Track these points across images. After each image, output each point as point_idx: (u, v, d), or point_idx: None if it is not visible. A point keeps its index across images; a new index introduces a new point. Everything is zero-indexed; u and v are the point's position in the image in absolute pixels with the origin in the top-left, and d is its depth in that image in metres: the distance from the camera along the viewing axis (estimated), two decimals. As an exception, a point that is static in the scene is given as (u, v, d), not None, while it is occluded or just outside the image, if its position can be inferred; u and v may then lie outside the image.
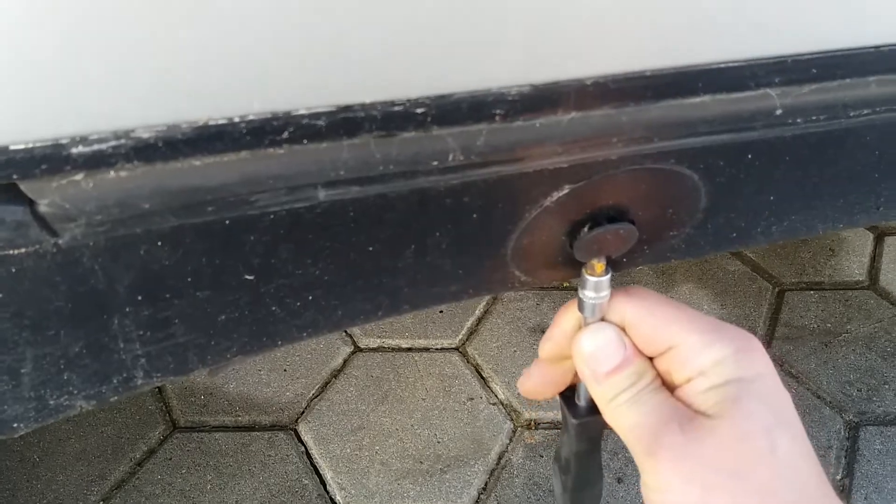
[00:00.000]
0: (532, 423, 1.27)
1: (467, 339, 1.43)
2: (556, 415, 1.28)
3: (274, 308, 0.46)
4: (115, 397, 0.49)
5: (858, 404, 1.31)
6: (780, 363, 1.39)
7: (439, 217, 0.43)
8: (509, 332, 1.46)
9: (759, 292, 1.58)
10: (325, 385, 1.32)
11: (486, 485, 1.16)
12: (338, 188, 0.38)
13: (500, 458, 1.20)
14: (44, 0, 0.27)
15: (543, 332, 1.53)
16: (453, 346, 1.42)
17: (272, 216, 0.39)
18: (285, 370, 1.35)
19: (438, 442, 1.23)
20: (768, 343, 1.44)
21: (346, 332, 1.43)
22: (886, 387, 1.35)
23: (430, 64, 0.34)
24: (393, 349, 1.40)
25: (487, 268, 0.50)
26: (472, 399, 1.31)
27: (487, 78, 0.35)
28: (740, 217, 0.53)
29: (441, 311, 1.49)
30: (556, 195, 0.45)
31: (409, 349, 1.41)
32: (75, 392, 0.46)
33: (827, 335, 1.47)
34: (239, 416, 1.27)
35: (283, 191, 0.37)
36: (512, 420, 1.27)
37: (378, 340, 1.42)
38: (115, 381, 0.47)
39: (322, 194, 0.39)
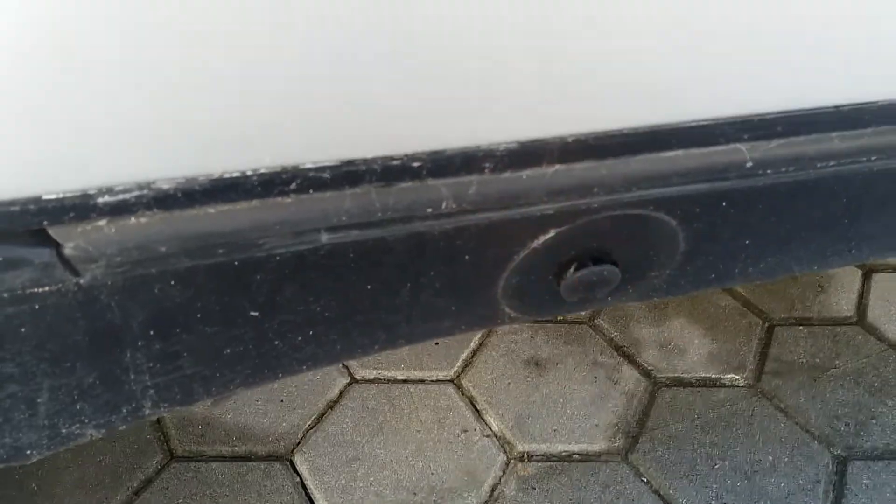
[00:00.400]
0: (525, 455, 1.28)
1: (462, 372, 1.45)
2: (549, 447, 1.30)
3: (277, 342, 0.49)
4: (123, 426, 0.51)
5: (846, 439, 1.33)
6: (770, 398, 1.42)
7: (433, 258, 0.46)
8: (504, 364, 1.48)
9: (750, 327, 1.60)
10: (321, 416, 1.34)
11: (479, 517, 1.17)
12: (339, 232, 0.42)
13: (492, 491, 1.22)
14: (78, 64, 0.31)
15: (538, 364, 1.54)
16: (448, 378, 1.44)
17: (278, 257, 0.42)
18: (282, 401, 1.37)
19: (432, 474, 1.24)
20: (758, 377, 1.46)
21: (342, 363, 1.45)
22: (874, 422, 1.37)
23: (425, 123, 0.37)
24: (388, 381, 1.42)
25: (479, 305, 0.53)
26: (466, 431, 1.32)
27: (478, 135, 0.38)
28: (718, 259, 0.56)
29: (437, 344, 1.51)
30: (542, 238, 0.48)
31: (405, 381, 1.42)
32: (87, 421, 0.48)
33: (815, 370, 1.49)
34: (236, 446, 1.28)
35: (289, 235, 0.41)
36: (505, 452, 1.28)
37: (374, 372, 1.44)
38: (124, 410, 0.49)
39: (325, 238, 0.42)
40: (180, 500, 1.19)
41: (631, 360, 1.51)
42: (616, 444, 1.31)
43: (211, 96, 0.32)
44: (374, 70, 0.34)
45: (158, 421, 1.33)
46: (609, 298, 0.55)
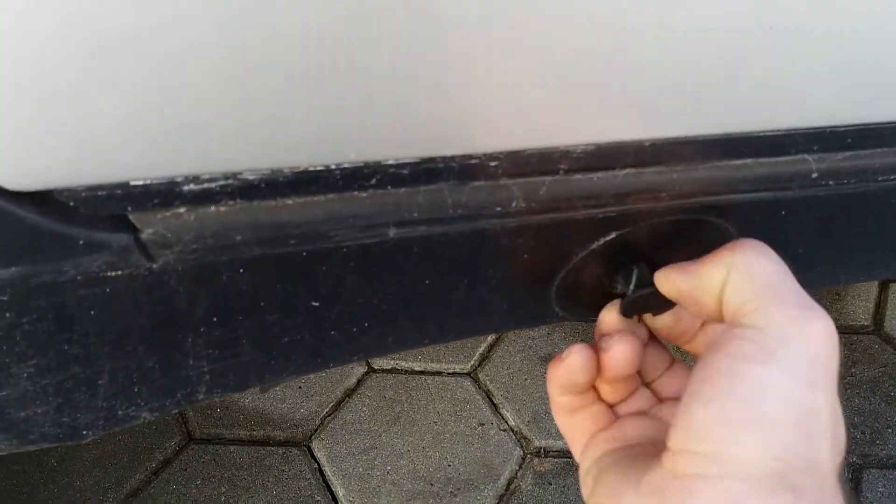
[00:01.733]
0: (542, 450, 1.29)
1: (479, 366, 1.46)
2: (564, 444, 1.30)
3: (332, 332, 0.49)
4: (176, 410, 0.52)
5: (862, 447, 1.34)
6: (786, 403, 1.42)
7: (494, 255, 0.46)
8: (521, 360, 1.48)
9: (767, 332, 1.61)
10: (339, 404, 1.35)
11: (494, 510, 1.18)
12: (407, 227, 0.42)
13: (509, 484, 1.22)
14: (175, 58, 0.31)
15: (555, 361, 1.53)
16: (465, 371, 1.44)
17: (345, 249, 0.42)
18: (300, 388, 1.38)
19: (449, 465, 1.25)
20: (774, 382, 1.47)
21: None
22: (890, 430, 1.37)
23: (506, 124, 0.37)
24: (406, 371, 1.43)
25: (531, 303, 0.53)
26: (483, 424, 1.33)
27: (558, 137, 0.38)
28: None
29: (454, 336, 1.52)
30: (602, 240, 0.48)
31: (422, 372, 1.43)
32: (142, 404, 0.49)
33: (832, 377, 1.49)
34: (254, 430, 1.29)
35: (359, 228, 0.41)
36: (522, 447, 1.29)
37: (392, 362, 1.44)
38: (179, 395, 0.50)
39: (392, 232, 0.42)
40: (198, 482, 1.20)
41: (648, 360, 1.51)
42: (632, 444, 1.32)
43: (302, 94, 0.32)
44: (459, 74, 0.34)
45: (177, 402, 1.34)
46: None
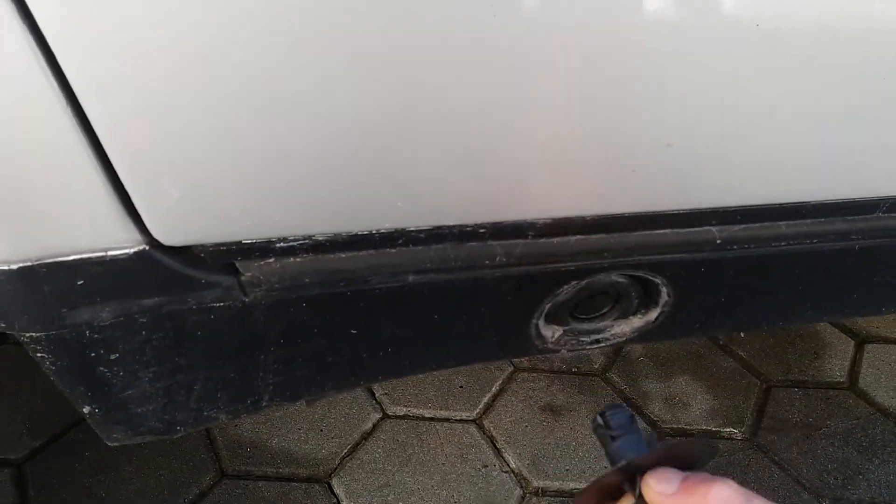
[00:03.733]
0: (540, 490, 1.42)
1: (484, 413, 1.60)
2: (561, 484, 1.44)
3: (364, 355, 0.66)
4: (244, 414, 0.68)
5: (835, 491, 1.45)
6: (765, 451, 1.55)
7: (485, 298, 0.63)
8: (522, 409, 1.63)
9: (748, 387, 1.74)
10: (356, 446, 1.49)
11: (495, 543, 1.31)
12: (422, 275, 0.59)
13: (509, 520, 1.35)
14: (271, 162, 0.49)
15: (553, 410, 1.68)
16: (471, 418, 1.59)
17: (377, 290, 0.59)
18: (322, 430, 1.52)
19: (455, 502, 1.38)
20: (755, 432, 1.59)
21: (375, 400, 1.60)
22: (861, 477, 1.49)
23: (489, 203, 0.55)
24: (417, 418, 1.58)
25: (516, 336, 0.69)
26: (487, 466, 1.47)
27: (523, 212, 0.56)
28: (700, 311, 0.73)
29: (461, 387, 1.66)
30: (564, 288, 0.65)
31: (432, 419, 1.58)
32: (222, 408, 0.65)
33: (808, 428, 1.62)
34: (280, 468, 1.44)
35: (388, 274, 0.58)
36: (522, 487, 1.42)
37: (404, 409, 1.59)
38: (249, 401, 0.66)
39: (411, 278, 0.59)
40: (230, 513, 1.34)
41: (639, 410, 1.65)
42: (622, 485, 1.44)
43: (361, 186, 0.50)
44: (461, 172, 0.51)
45: (211, 442, 1.48)
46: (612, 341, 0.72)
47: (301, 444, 1.49)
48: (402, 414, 1.58)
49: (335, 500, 1.37)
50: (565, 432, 1.57)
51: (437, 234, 0.55)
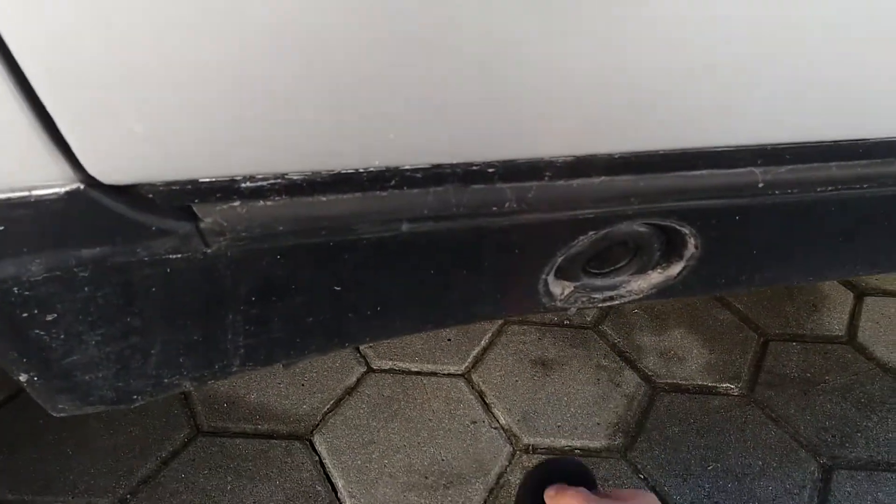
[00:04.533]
0: (530, 447, 1.36)
1: (473, 367, 1.53)
2: (552, 441, 1.38)
3: (350, 314, 0.57)
4: (211, 381, 0.60)
5: (832, 449, 1.41)
6: (762, 407, 1.50)
7: (490, 250, 0.54)
8: (512, 362, 1.56)
9: (746, 341, 1.69)
10: (339, 401, 1.42)
11: (485, 502, 1.25)
12: (418, 223, 0.50)
13: (499, 479, 1.30)
14: (241, 83, 0.39)
15: (544, 364, 1.62)
16: (459, 372, 1.52)
17: (365, 241, 0.51)
18: (303, 385, 1.45)
19: (442, 460, 1.32)
20: (752, 388, 1.54)
21: (359, 353, 1.53)
22: (859, 434, 1.45)
23: (500, 137, 0.45)
24: (403, 372, 1.51)
25: (521, 293, 0.61)
26: (475, 422, 1.40)
27: (540, 149, 0.47)
28: (728, 265, 0.64)
29: (449, 340, 1.59)
30: (581, 239, 0.56)
31: (419, 373, 1.51)
32: (185, 374, 0.57)
33: (806, 384, 1.57)
34: (259, 424, 1.36)
35: (378, 222, 0.49)
36: (511, 444, 1.36)
37: (390, 363, 1.52)
38: (216, 367, 0.57)
39: (405, 227, 0.50)
40: (206, 472, 1.27)
41: (632, 364, 1.59)
42: (616, 442, 1.40)
43: (341, 111, 0.41)
44: (464, 96, 0.42)
45: (186, 397, 1.41)
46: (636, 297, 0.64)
47: (281, 399, 1.42)
48: (387, 368, 1.51)
49: (317, 458, 1.31)
50: (557, 387, 1.51)
51: (437, 175, 0.46)
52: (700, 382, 1.56)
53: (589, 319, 1.72)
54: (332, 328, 0.56)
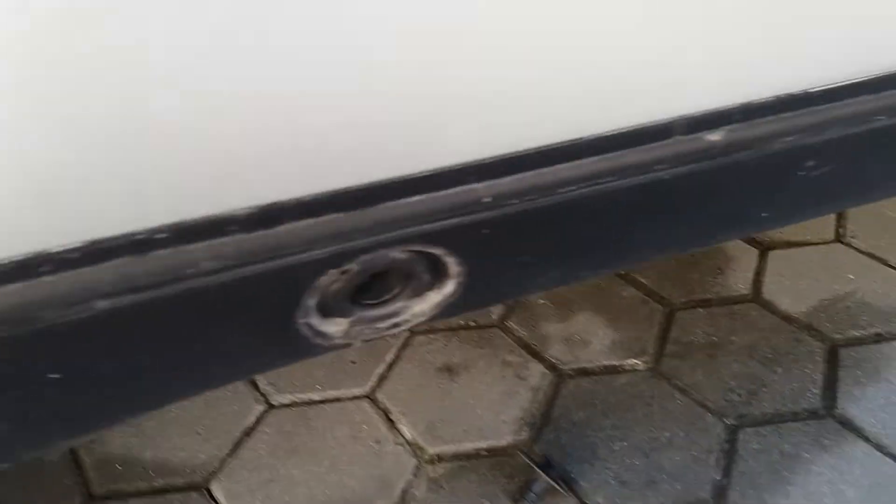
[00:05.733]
0: (436, 457, 1.34)
1: (377, 386, 1.50)
2: (457, 447, 1.36)
3: (73, 406, 0.54)
4: None
5: (738, 408, 1.42)
6: (668, 378, 1.50)
7: (212, 312, 0.51)
8: (417, 374, 1.53)
9: (651, 314, 1.68)
10: (238, 443, 1.38)
11: (391, 521, 1.23)
12: (111, 299, 0.46)
13: (403, 494, 1.27)
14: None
15: (450, 370, 1.60)
16: (364, 393, 1.49)
17: (61, 325, 0.47)
18: (198, 433, 1.41)
19: (345, 486, 1.29)
20: (658, 360, 1.54)
21: (258, 390, 1.49)
22: (765, 389, 1.46)
23: (168, 199, 0.42)
24: (305, 403, 1.47)
25: (282, 341, 0.58)
26: (379, 442, 1.38)
27: (211, 205, 0.44)
28: (504, 276, 0.62)
29: (353, 362, 1.56)
30: (323, 278, 0.54)
31: (322, 401, 1.47)
32: None
33: (713, 348, 1.58)
34: (155, 481, 1.32)
35: (62, 306, 0.45)
36: (417, 456, 1.34)
37: (290, 396, 1.48)
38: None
39: (101, 304, 0.47)
40: (101, 540, 1.22)
41: (538, 356, 1.58)
42: (522, 437, 1.38)
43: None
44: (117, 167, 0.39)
45: (77, 464, 1.36)
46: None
47: (177, 451, 1.37)
48: (287, 402, 1.47)
49: (216, 506, 1.27)
50: (463, 391, 1.49)
51: (101, 251, 0.43)
52: (605, 363, 1.55)
53: (494, 317, 1.70)
54: (54, 420, 0.53)
